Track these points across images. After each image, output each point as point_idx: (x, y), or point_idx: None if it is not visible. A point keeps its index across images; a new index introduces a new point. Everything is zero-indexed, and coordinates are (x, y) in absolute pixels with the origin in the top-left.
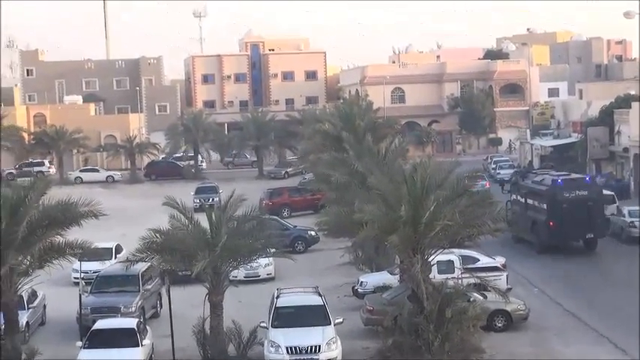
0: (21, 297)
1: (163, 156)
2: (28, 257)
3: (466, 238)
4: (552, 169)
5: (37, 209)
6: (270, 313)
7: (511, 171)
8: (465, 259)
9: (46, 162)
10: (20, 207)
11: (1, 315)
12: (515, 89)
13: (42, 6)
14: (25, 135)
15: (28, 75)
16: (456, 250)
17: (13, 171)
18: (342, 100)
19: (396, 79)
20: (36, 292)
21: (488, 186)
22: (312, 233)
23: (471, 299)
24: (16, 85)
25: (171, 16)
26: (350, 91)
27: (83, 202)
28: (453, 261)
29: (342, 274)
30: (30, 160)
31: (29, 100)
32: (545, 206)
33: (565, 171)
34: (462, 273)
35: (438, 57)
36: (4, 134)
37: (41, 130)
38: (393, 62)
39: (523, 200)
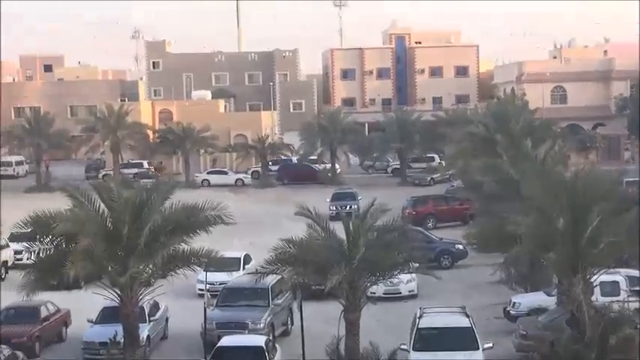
0: (142, 309)
1: (297, 158)
2: (151, 266)
3: (634, 256)
4: None
5: (161, 213)
6: (411, 335)
7: None
8: (632, 281)
9: (145, 163)
10: (143, 211)
11: (121, 328)
12: None
13: None
14: (150, 132)
15: (153, 68)
16: (622, 270)
17: (110, 172)
18: (495, 100)
19: (557, 76)
20: (158, 303)
21: None
22: (460, 247)
23: (639, 326)
24: (141, 79)
25: (307, 5)
26: (505, 90)
27: (210, 207)
28: (618, 282)
29: (493, 293)
30: (128, 160)
31: (154, 95)
32: None
33: None
34: (628, 296)
35: (606, 52)
36: (129, 131)
37: (167, 128)
38: (554, 58)
39: None
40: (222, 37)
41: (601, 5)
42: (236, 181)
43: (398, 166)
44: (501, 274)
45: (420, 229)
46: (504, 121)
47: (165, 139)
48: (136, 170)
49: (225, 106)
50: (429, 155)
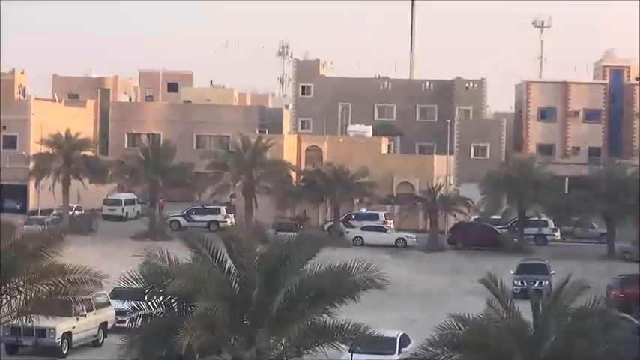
0: None
1: (476, 217)
2: (283, 340)
3: None
4: None
5: (301, 276)
6: None
7: None
8: None
9: (223, 209)
10: (279, 271)
11: None
12: None
13: (322, 7)
14: (293, 174)
15: (303, 94)
16: None
17: (179, 218)
18: None
19: None
20: None
21: None
22: None
23: None
24: (286, 107)
25: (496, 27)
26: None
27: (359, 268)
28: None
29: None
30: (203, 205)
31: (302, 128)
32: None
33: None
34: None
35: None
36: (267, 171)
37: (315, 170)
38: None
39: None
40: (386, 62)
41: None
42: (397, 241)
43: (604, 233)
44: None
45: (628, 316)
46: None
47: (311, 183)
48: (211, 217)
49: (389, 146)
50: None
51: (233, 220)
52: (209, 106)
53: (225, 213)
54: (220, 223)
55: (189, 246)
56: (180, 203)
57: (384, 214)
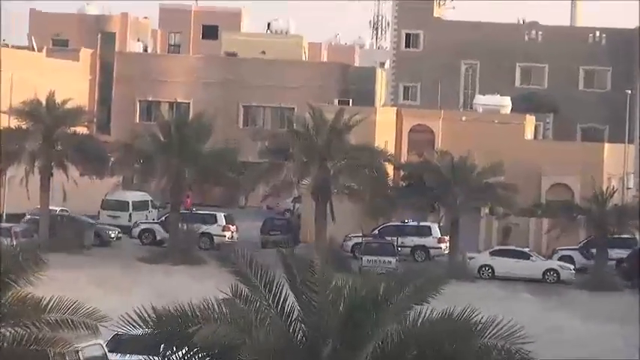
0: None
1: None
2: None
3: None
4: None
5: (401, 325)
6: None
7: None
8: None
9: (222, 217)
10: (368, 318)
11: None
12: None
13: None
14: (389, 167)
15: (407, 46)
16: None
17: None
18: None
19: None
20: None
21: None
22: None
23: None
24: (381, 66)
25: None
26: None
27: (497, 325)
28: None
29: None
30: (192, 210)
31: (404, 97)
32: None
33: None
34: None
35: None
36: (348, 161)
37: (421, 161)
38: None
39: None
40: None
41: None
42: (545, 274)
43: None
44: None
45: None
46: None
47: (417, 181)
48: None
49: (537, 129)
50: None
51: (235, 234)
52: (264, 62)
53: (223, 222)
54: (215, 238)
55: (236, 274)
56: (217, 208)
57: (438, 226)
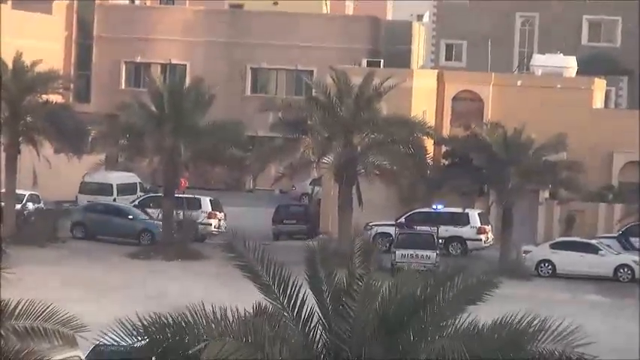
0: None
1: None
2: None
3: None
4: None
5: (447, 337)
6: None
7: None
8: None
9: (207, 201)
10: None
11: None
12: None
13: None
14: (429, 141)
15: None
16: None
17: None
18: None
19: None
20: None
21: None
22: None
23: None
24: (419, 19)
25: None
26: None
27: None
28: None
29: None
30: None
31: (447, 59)
32: None
33: None
34: None
35: None
36: (378, 135)
37: (469, 136)
38: None
39: None
40: None
41: None
42: (617, 270)
43: None
44: None
45: None
46: None
47: (462, 159)
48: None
49: (607, 95)
50: None
51: (224, 222)
52: (277, 15)
53: (209, 208)
54: (200, 226)
55: (249, 274)
56: (220, 192)
57: (478, 214)
